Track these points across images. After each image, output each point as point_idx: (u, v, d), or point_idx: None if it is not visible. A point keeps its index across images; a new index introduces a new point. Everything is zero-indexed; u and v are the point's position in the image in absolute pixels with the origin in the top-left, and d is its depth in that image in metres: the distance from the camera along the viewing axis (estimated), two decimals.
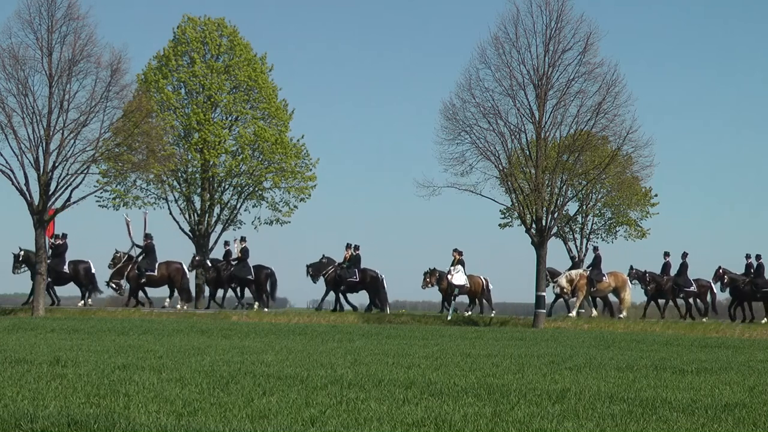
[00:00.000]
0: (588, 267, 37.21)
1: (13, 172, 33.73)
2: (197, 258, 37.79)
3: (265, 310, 36.39)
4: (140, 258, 36.34)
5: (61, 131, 33.94)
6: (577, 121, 35.47)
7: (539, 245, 35.14)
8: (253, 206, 45.32)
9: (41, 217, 33.77)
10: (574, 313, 36.47)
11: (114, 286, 36.47)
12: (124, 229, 36.86)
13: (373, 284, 37.56)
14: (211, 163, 43.97)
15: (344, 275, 37.16)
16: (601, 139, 37.59)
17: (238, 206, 44.85)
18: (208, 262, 37.49)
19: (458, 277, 37.64)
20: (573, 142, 35.63)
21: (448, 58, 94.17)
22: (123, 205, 43.49)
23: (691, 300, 38.18)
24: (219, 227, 44.53)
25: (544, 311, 34.92)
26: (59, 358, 13.55)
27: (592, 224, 49.34)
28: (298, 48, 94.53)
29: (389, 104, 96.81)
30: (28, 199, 33.82)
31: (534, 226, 35.15)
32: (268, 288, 37.38)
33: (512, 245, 60.18)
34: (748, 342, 26.04)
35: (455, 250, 38.03)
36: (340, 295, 37.57)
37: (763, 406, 9.90)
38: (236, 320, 32.82)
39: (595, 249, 38.24)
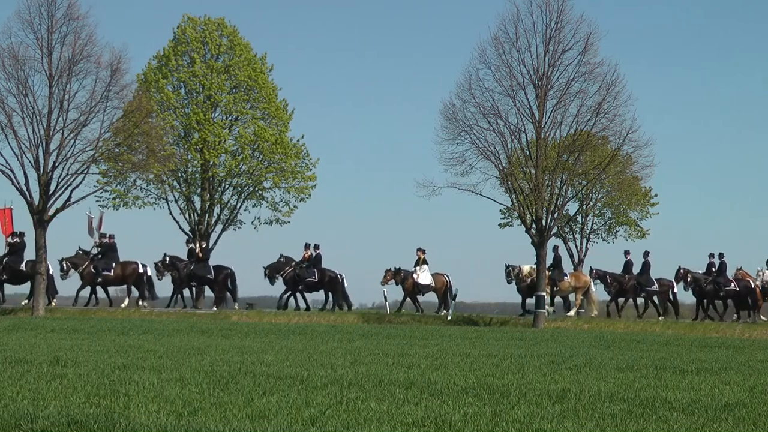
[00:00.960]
0: (549, 267, 37.18)
1: (13, 172, 33.76)
2: (168, 257, 37.25)
3: (236, 306, 36.25)
4: (98, 257, 36.21)
5: (61, 131, 33.96)
6: (577, 121, 35.48)
7: (539, 245, 35.14)
8: (253, 206, 45.34)
9: (41, 217, 33.77)
10: (548, 309, 36.56)
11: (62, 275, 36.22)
12: (105, 226, 37.07)
13: (332, 284, 37.53)
14: (211, 163, 43.96)
15: (303, 275, 37.12)
16: (601, 139, 37.58)
17: (238, 206, 44.85)
18: (167, 259, 36.90)
19: (424, 277, 37.70)
20: (573, 142, 35.62)
21: (448, 58, 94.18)
22: (123, 205, 43.51)
23: (655, 298, 38.42)
24: (219, 227, 44.54)
25: (544, 311, 34.90)
26: (59, 358, 13.55)
27: (592, 224, 49.37)
28: (298, 48, 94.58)
29: (389, 104, 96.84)
30: (28, 199, 33.83)
31: (534, 226, 35.14)
32: (229, 287, 37.28)
33: (512, 245, 60.16)
34: (748, 342, 26.04)
35: (419, 249, 38.10)
36: (298, 295, 37.55)
37: (763, 406, 9.90)
38: (236, 320, 32.84)
39: (555, 248, 37.99)
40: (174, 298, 37.34)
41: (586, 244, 48.57)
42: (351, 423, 8.22)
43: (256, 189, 44.73)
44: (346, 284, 37.97)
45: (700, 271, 37.26)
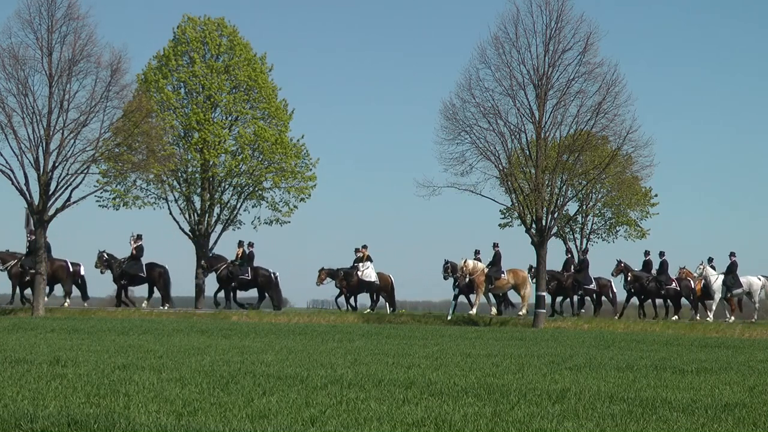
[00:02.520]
0: (488, 264, 37.14)
1: (13, 172, 33.79)
2: (104, 254, 36.78)
3: (164, 308, 36.00)
4: (25, 255, 35.95)
5: (61, 131, 33.97)
6: (577, 121, 35.48)
7: (539, 245, 35.14)
8: (253, 206, 45.30)
9: (41, 217, 33.77)
10: (474, 311, 36.54)
11: None
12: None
13: (265, 283, 37.40)
14: (211, 163, 43.94)
15: (236, 273, 36.99)
16: (601, 139, 37.59)
17: (238, 206, 44.81)
18: (104, 256, 36.52)
19: (368, 274, 37.61)
20: (573, 142, 35.62)
21: (448, 58, 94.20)
22: (123, 205, 43.50)
23: (594, 296, 38.54)
24: (219, 227, 44.52)
25: (545, 311, 34.91)
26: (59, 358, 13.55)
27: (592, 224, 49.40)
28: (298, 48, 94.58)
29: (389, 104, 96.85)
30: (28, 199, 33.84)
31: (534, 226, 35.14)
32: (162, 286, 36.97)
33: (512, 245, 60.18)
34: (748, 342, 26.04)
35: (363, 247, 38.10)
36: (231, 293, 37.37)
37: (763, 406, 9.90)
38: (236, 320, 32.84)
39: (495, 246, 37.76)
40: (118, 296, 37.03)
41: (586, 244, 48.58)
42: (351, 423, 8.22)
43: (256, 189, 44.71)
44: (279, 283, 37.80)
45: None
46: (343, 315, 35.66)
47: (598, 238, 49.43)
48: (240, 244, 37.75)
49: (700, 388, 11.69)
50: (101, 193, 40.50)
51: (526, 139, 35.39)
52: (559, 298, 38.05)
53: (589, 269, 38.09)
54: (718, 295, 36.86)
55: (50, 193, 33.87)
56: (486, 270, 36.79)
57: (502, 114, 35.21)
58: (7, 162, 33.84)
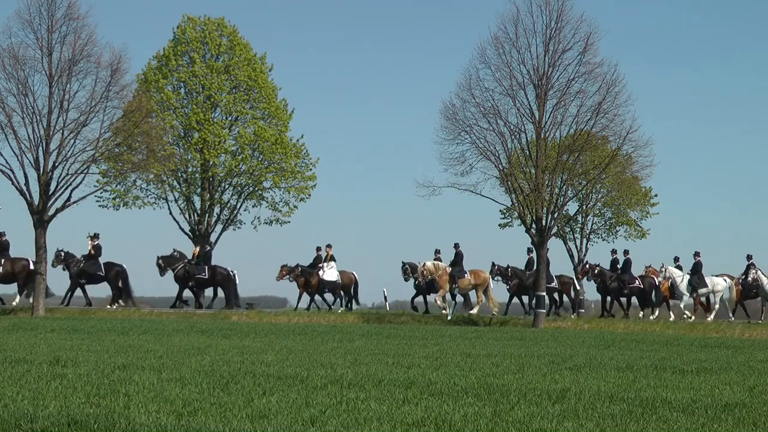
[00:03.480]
0: (450, 264, 37.11)
1: (13, 172, 33.77)
2: (62, 253, 36.30)
3: (115, 306, 35.71)
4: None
5: (61, 131, 33.97)
6: (577, 121, 35.45)
7: (539, 245, 35.14)
8: (253, 206, 45.35)
9: (41, 217, 33.78)
10: (444, 311, 36.41)
11: None
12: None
13: (223, 281, 37.21)
14: (211, 163, 43.97)
15: (193, 271, 36.81)
16: (601, 139, 37.57)
17: (238, 206, 44.87)
18: (62, 255, 36.04)
19: (330, 273, 37.50)
20: (573, 142, 35.60)
21: (448, 58, 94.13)
22: (123, 205, 43.52)
23: (555, 295, 38.41)
24: (219, 227, 44.55)
25: (544, 311, 34.90)
26: (59, 358, 13.55)
27: (592, 224, 49.40)
28: (298, 48, 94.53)
29: (389, 104, 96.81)
30: (28, 199, 33.83)
31: (534, 226, 35.14)
32: (120, 285, 36.52)
33: (512, 245, 60.15)
34: (748, 342, 26.04)
35: (327, 246, 38.04)
36: (190, 291, 37.18)
37: (763, 406, 9.90)
38: (236, 320, 32.84)
39: (456, 246, 37.53)
40: (74, 295, 36.76)
41: (586, 244, 48.60)
42: (351, 423, 8.22)
43: (256, 189, 44.74)
44: (237, 282, 37.63)
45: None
46: (343, 315, 35.65)
47: (598, 238, 49.47)
48: (197, 242, 37.49)
49: (700, 388, 11.69)
50: (101, 193, 40.58)
51: (526, 139, 35.39)
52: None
53: (549, 268, 37.89)
54: (684, 295, 36.95)
55: (50, 193, 33.87)
56: (448, 270, 36.80)
57: (502, 114, 35.21)
58: (7, 162, 33.87)
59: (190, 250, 41.72)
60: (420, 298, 37.58)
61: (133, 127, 34.58)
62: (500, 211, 47.73)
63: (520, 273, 37.29)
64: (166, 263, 36.64)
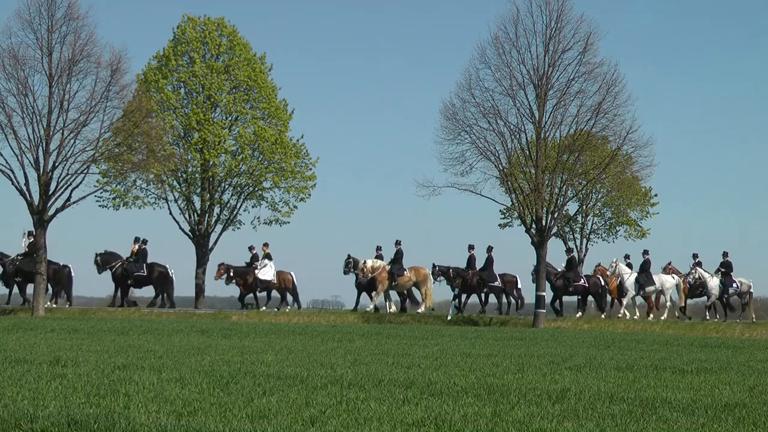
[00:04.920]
0: (390, 262, 37.12)
1: (13, 172, 33.80)
2: None
3: (54, 305, 35.58)
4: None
5: (61, 131, 33.99)
6: (577, 121, 35.51)
7: (539, 245, 35.16)
8: (252, 206, 45.35)
9: (41, 217, 33.78)
10: (370, 308, 36.50)
11: None
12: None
13: (160, 279, 36.96)
14: (211, 163, 43.96)
15: (131, 270, 36.59)
16: (601, 139, 37.61)
17: (237, 206, 44.87)
18: None
19: (265, 272, 37.36)
20: (573, 142, 35.63)
21: (448, 58, 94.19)
22: (123, 205, 43.52)
23: (499, 294, 38.36)
24: (219, 227, 44.55)
25: (545, 311, 34.92)
26: (59, 358, 13.55)
27: (592, 224, 49.41)
28: (298, 48, 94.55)
29: (389, 104, 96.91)
30: (28, 199, 33.84)
31: (534, 226, 35.16)
32: (55, 284, 36.30)
33: (512, 245, 60.23)
34: (748, 342, 26.04)
35: (264, 245, 37.93)
36: (127, 290, 36.93)
37: (763, 406, 9.90)
38: (236, 320, 32.84)
39: (397, 243, 37.68)
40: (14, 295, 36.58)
41: (586, 244, 48.61)
42: (351, 423, 8.22)
43: (256, 189, 44.74)
44: (174, 280, 37.48)
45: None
46: (343, 315, 35.64)
47: (598, 238, 49.48)
48: (135, 240, 37.20)
49: (700, 388, 11.69)
50: (101, 193, 40.58)
51: (526, 139, 35.42)
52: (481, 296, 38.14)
53: (493, 266, 37.82)
54: (631, 293, 37.06)
55: (50, 193, 33.89)
56: (388, 267, 36.79)
57: (502, 114, 35.26)
58: (7, 162, 33.90)
59: (190, 250, 41.77)
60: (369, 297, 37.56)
61: (133, 127, 34.60)
62: (500, 211, 47.79)
63: (463, 272, 37.25)
64: (103, 261, 36.22)
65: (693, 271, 37.74)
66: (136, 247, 37.13)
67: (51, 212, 34.04)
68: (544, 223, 35.15)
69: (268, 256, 37.67)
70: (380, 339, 21.51)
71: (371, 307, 36.68)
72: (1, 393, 9.52)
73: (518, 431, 8.11)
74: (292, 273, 38.47)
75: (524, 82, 35.13)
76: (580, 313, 37.50)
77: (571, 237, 48.29)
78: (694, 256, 38.46)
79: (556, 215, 35.86)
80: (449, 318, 36.10)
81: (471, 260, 37.68)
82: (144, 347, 16.57)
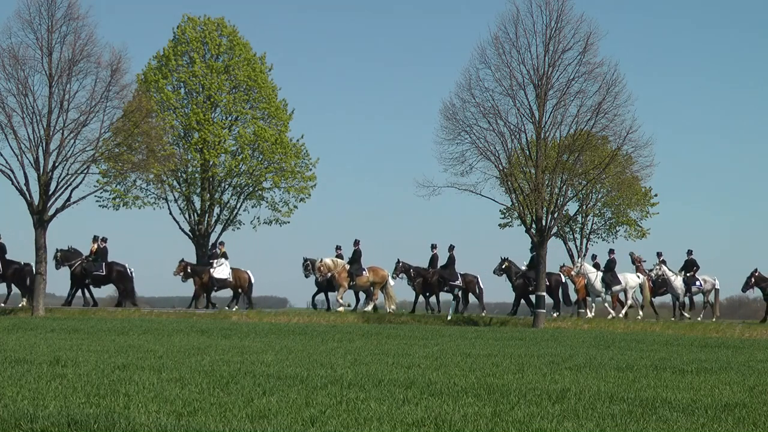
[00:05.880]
0: (348, 261, 37.11)
1: (13, 172, 33.76)
2: None
3: (21, 305, 35.29)
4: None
5: (61, 131, 33.97)
6: (577, 121, 35.47)
7: (539, 245, 35.14)
8: (252, 206, 45.36)
9: (41, 217, 33.78)
10: (340, 309, 36.35)
11: None
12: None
13: (120, 278, 36.57)
14: (210, 163, 43.97)
15: (90, 268, 36.22)
16: (601, 139, 37.59)
17: (237, 206, 44.88)
18: None
19: (220, 271, 37.16)
20: (573, 142, 35.61)
21: (448, 58, 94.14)
22: (123, 205, 43.52)
23: (458, 293, 38.25)
24: (219, 227, 44.55)
25: (544, 311, 34.91)
26: (59, 358, 13.55)
27: (592, 224, 49.38)
28: (298, 48, 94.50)
29: (389, 104, 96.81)
30: (28, 199, 33.83)
31: (534, 226, 35.15)
32: (11, 283, 35.93)
33: (512, 245, 60.10)
34: (748, 342, 26.04)
35: (220, 243, 37.86)
36: (86, 289, 36.48)
37: (763, 406, 9.90)
38: (236, 320, 32.84)
39: (356, 243, 37.50)
40: None
41: (586, 244, 48.58)
42: (351, 423, 8.22)
43: (256, 189, 44.74)
44: (134, 278, 37.02)
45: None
46: (343, 315, 35.63)
47: (598, 238, 49.45)
48: (94, 239, 36.96)
49: (700, 388, 11.69)
50: (101, 193, 40.58)
51: (526, 139, 35.40)
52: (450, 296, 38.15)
53: (455, 265, 37.67)
54: (600, 292, 37.09)
55: (50, 193, 33.87)
56: (347, 267, 36.80)
57: (502, 114, 35.22)
58: (7, 162, 33.87)
59: (190, 250, 41.70)
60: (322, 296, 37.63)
61: (133, 127, 34.59)
62: (500, 211, 47.74)
63: (423, 272, 37.21)
64: (63, 258, 35.87)
65: (656, 268, 37.90)
66: (95, 245, 36.73)
67: (51, 212, 34.02)
68: (544, 223, 35.13)
69: (224, 255, 37.51)
70: (380, 339, 21.51)
71: (341, 308, 36.56)
72: (1, 393, 9.52)
73: (518, 431, 8.11)
74: (249, 272, 38.42)
75: (524, 82, 35.13)
76: (556, 313, 37.50)
77: (571, 237, 48.28)
78: (659, 254, 38.63)
79: (556, 215, 35.85)
80: (449, 318, 36.09)
81: (433, 259, 37.62)
82: (144, 347, 16.57)
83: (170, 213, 44.10)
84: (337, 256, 37.28)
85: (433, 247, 37.83)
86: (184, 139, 43.82)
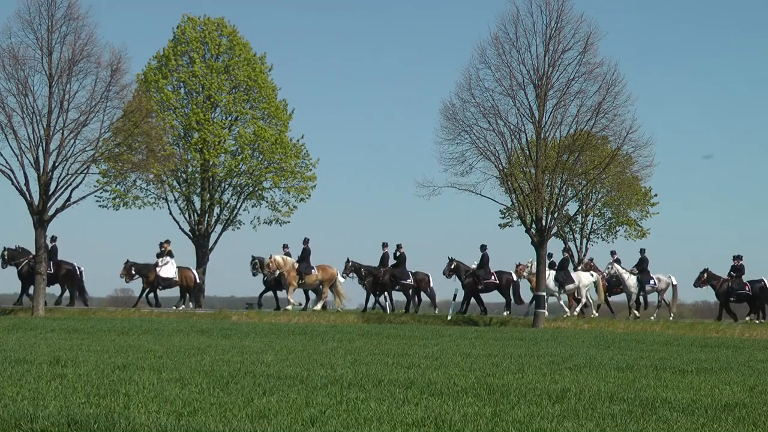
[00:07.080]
0: (298, 260, 37.08)
1: (13, 172, 33.78)
2: None
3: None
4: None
5: (61, 131, 33.98)
6: (577, 121, 35.47)
7: (539, 245, 35.14)
8: (252, 206, 45.39)
9: (41, 217, 33.79)
10: (289, 307, 36.20)
11: None
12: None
13: (68, 277, 36.26)
14: (210, 163, 43.99)
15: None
16: (601, 139, 37.58)
17: (237, 206, 44.90)
18: None
19: (166, 270, 36.96)
20: (573, 142, 35.60)
21: (448, 58, 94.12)
22: (123, 205, 43.54)
23: (410, 292, 38.16)
24: (219, 227, 44.57)
25: (545, 311, 34.90)
26: (59, 358, 13.55)
27: (592, 224, 49.41)
28: (298, 48, 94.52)
29: (389, 104, 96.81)
30: (28, 199, 33.84)
31: (534, 226, 35.14)
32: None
33: (512, 245, 60.11)
34: (748, 342, 26.04)
35: (166, 241, 37.56)
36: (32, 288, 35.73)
37: (763, 406, 9.90)
38: (236, 320, 32.83)
39: (305, 242, 37.38)
40: None
41: (586, 244, 48.61)
42: (351, 423, 8.22)
43: (256, 189, 44.77)
44: (84, 278, 36.68)
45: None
46: (343, 315, 35.61)
47: (598, 238, 49.48)
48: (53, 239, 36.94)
49: (700, 388, 11.69)
50: (101, 193, 40.60)
51: (526, 139, 35.39)
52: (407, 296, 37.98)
53: (405, 263, 37.52)
54: (554, 290, 37.10)
55: (50, 193, 33.87)
56: (296, 265, 36.76)
57: (502, 114, 35.21)
58: (7, 162, 33.89)
59: (190, 250, 41.66)
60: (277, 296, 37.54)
61: (133, 127, 34.60)
62: (500, 211, 47.77)
63: (374, 270, 37.14)
64: (10, 257, 35.67)
65: (609, 267, 37.94)
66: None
67: (51, 212, 34.03)
68: (544, 223, 35.13)
69: (169, 254, 37.41)
70: (380, 339, 21.51)
71: (290, 307, 36.38)
72: (1, 393, 9.52)
73: (518, 431, 8.11)
74: (194, 270, 38.30)
75: (524, 82, 35.12)
76: (506, 312, 37.56)
77: (571, 237, 48.31)
78: (612, 253, 38.83)
79: (556, 215, 35.84)
80: (449, 318, 36.08)
81: (384, 258, 37.55)
82: (144, 347, 16.57)
83: (170, 213, 44.17)
84: (285, 254, 37.20)
85: (384, 245, 37.72)
86: (184, 139, 43.83)
